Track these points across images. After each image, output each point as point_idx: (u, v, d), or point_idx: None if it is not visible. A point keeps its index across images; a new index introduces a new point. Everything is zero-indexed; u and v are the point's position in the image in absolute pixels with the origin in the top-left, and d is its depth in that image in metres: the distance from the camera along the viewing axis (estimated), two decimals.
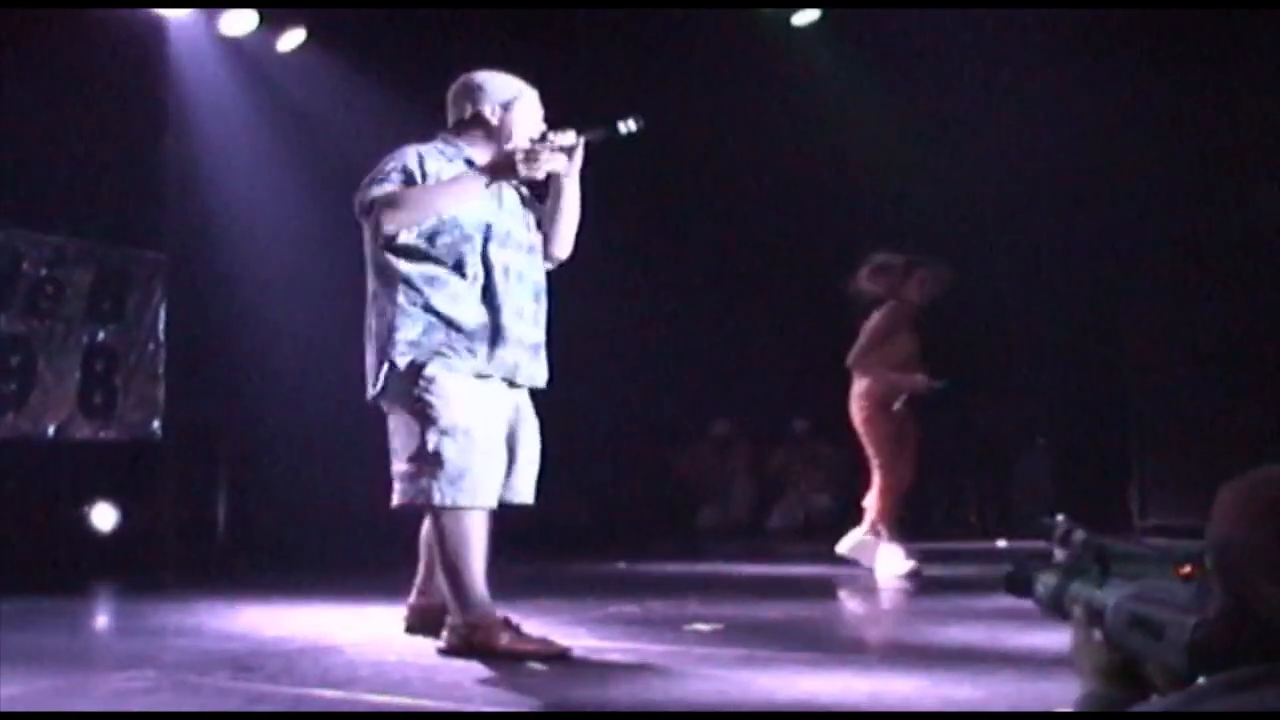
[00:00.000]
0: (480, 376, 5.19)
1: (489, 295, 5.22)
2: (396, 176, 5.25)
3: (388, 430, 5.39)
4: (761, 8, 10.83)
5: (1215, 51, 11.32)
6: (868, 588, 8.05)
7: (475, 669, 4.78)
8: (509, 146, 5.32)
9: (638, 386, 12.93)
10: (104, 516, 9.79)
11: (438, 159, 5.35)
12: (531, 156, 5.22)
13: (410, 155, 5.35)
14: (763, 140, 12.13)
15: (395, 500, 5.33)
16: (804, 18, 11.34)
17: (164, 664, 4.91)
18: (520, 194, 5.50)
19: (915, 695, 4.19)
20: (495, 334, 5.20)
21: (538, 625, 5.97)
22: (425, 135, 10.94)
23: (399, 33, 10.78)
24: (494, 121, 5.43)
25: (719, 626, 5.48)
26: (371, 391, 5.37)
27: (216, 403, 10.77)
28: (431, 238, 5.21)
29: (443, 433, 5.07)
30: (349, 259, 11.14)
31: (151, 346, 10.44)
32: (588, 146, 5.32)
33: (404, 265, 5.24)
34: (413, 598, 5.63)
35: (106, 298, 10.19)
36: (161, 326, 10.49)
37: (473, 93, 5.53)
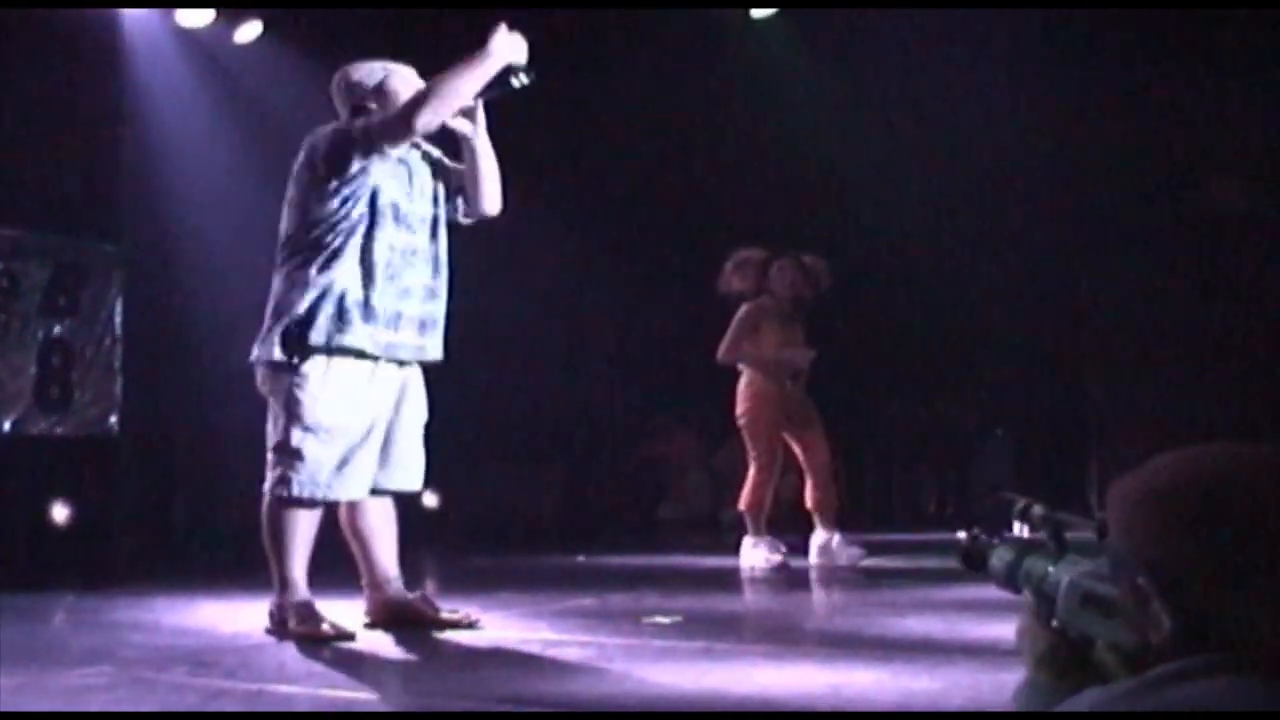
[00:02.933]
0: (362, 357, 5.30)
1: (380, 277, 5.31)
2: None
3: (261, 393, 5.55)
4: (722, 7, 10.85)
5: (1171, 39, 11.37)
6: (827, 580, 8.07)
7: (435, 663, 4.79)
8: None
9: (601, 377, 12.94)
10: (58, 513, 9.76)
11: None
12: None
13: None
14: (723, 132, 12.14)
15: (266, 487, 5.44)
16: (761, 13, 11.36)
17: (120, 660, 4.89)
18: (432, 163, 5.66)
19: (874, 687, 4.20)
20: (382, 315, 5.32)
21: (496, 618, 5.98)
22: None
23: (355, 25, 10.75)
24: (374, 107, 5.56)
25: (678, 619, 5.49)
26: (256, 354, 5.50)
27: (173, 397, 10.73)
28: (337, 210, 5.34)
29: (306, 429, 5.23)
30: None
31: (108, 341, 10.39)
32: (488, 105, 5.52)
33: (306, 237, 5.38)
34: (367, 593, 5.70)
35: (62, 292, 10.13)
36: (118, 320, 10.44)
37: (344, 89, 5.71)
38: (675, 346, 13.66)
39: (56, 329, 10.11)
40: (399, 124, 5.32)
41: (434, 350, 5.65)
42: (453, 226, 5.70)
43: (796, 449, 8.75)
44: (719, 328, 8.75)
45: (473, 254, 10.62)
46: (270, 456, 5.39)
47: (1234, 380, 11.94)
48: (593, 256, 12.45)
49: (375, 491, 5.55)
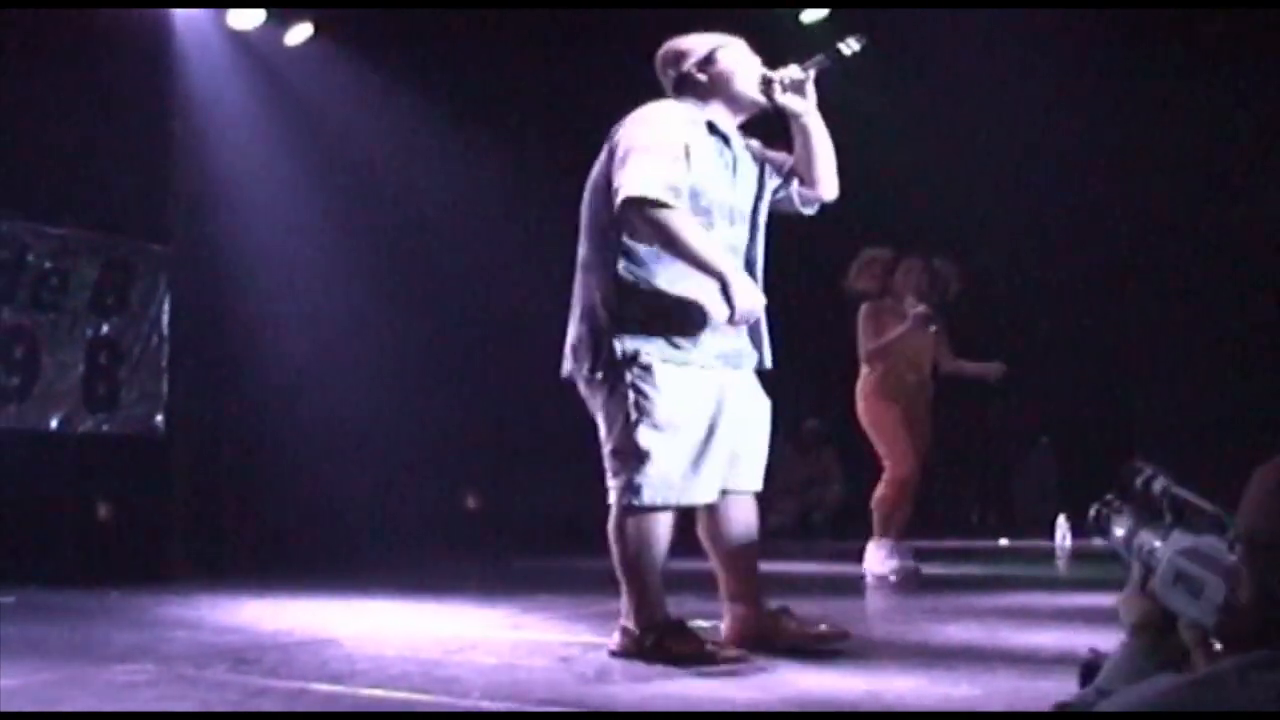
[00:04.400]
0: (696, 367, 4.89)
1: (702, 278, 4.83)
2: (676, 176, 4.79)
3: (591, 409, 5.03)
4: (772, 7, 10.82)
5: (1218, 51, 11.31)
6: (869, 586, 8.05)
7: (475, 664, 4.79)
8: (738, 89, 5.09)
9: None
10: (101, 511, 9.79)
11: (682, 126, 4.93)
12: (767, 84, 5.05)
13: (678, 128, 4.91)
14: (766, 135, 12.12)
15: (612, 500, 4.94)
16: (812, 15, 11.35)
17: (163, 657, 4.92)
18: (753, 155, 5.21)
19: (913, 693, 4.19)
20: (708, 320, 4.87)
21: (536, 620, 6.00)
22: (429, 129, 11.04)
23: (405, 28, 10.80)
24: (703, 78, 5.11)
25: (717, 623, 5.48)
26: (572, 368, 5.02)
27: (220, 397, 10.78)
28: None
29: (655, 428, 4.77)
30: (354, 253, 11.25)
31: (155, 339, 10.44)
32: (818, 78, 5.09)
33: (633, 237, 4.88)
34: (730, 610, 5.26)
35: (111, 290, 10.19)
36: (165, 320, 10.49)
37: (672, 60, 5.20)
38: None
39: (104, 328, 10.17)
40: (634, 196, 4.71)
41: (759, 357, 5.19)
42: (787, 218, 5.36)
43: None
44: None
45: (517, 251, 10.62)
46: (610, 463, 4.90)
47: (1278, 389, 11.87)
48: None
49: (737, 494, 5.13)
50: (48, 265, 9.86)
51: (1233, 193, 12.42)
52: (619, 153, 4.85)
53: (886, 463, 8.52)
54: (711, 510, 5.08)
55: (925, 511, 13.18)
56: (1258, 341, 12.50)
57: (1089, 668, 2.67)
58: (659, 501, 4.80)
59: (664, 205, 4.69)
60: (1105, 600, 6.86)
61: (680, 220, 4.71)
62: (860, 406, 8.60)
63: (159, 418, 10.42)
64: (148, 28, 10.09)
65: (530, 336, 11.51)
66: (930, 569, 8.58)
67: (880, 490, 8.47)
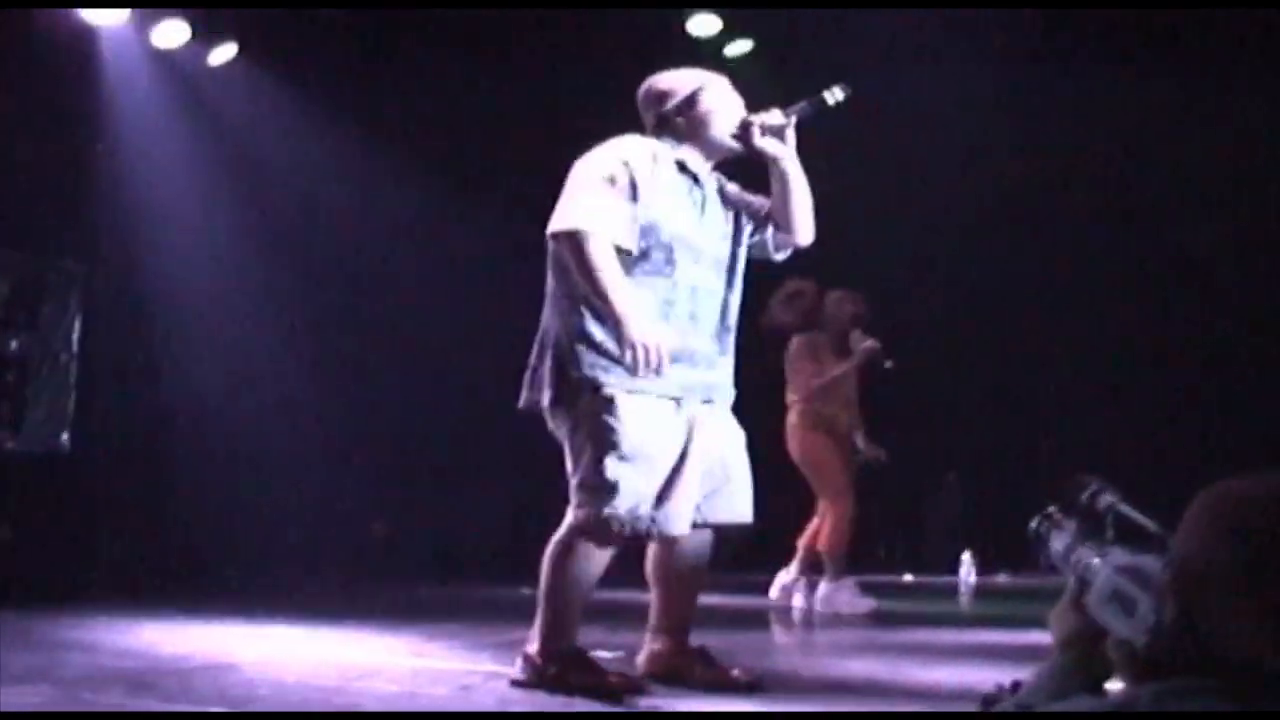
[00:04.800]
0: (661, 397, 4.83)
1: (675, 314, 4.87)
2: (617, 202, 4.80)
3: (556, 437, 4.99)
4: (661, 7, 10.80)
5: (1139, 77, 11.42)
6: (772, 620, 8.07)
7: (376, 692, 4.77)
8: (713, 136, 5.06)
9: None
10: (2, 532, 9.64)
11: (651, 163, 4.91)
12: (745, 128, 5.02)
13: (625, 156, 4.88)
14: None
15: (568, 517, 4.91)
16: (737, 49, 11.38)
17: (58, 680, 4.87)
18: (726, 198, 5.18)
19: None
20: (676, 352, 4.77)
21: (438, 649, 5.99)
22: (352, 153, 11.01)
23: (330, 49, 10.77)
24: (681, 122, 5.07)
25: (619, 654, 5.48)
26: (534, 397, 4.94)
27: (129, 417, 10.68)
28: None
29: (622, 459, 4.72)
30: (272, 274, 11.20)
31: (64, 357, 10.35)
32: (799, 124, 5.05)
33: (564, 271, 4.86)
34: (649, 639, 5.26)
35: (21, 307, 10.10)
36: (76, 337, 10.40)
37: (654, 100, 5.15)
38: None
39: (13, 344, 10.07)
40: (565, 221, 4.77)
41: (721, 391, 5.14)
42: (760, 263, 5.32)
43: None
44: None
45: (439, 276, 10.59)
46: (577, 495, 4.84)
47: (1193, 426, 12.02)
48: None
49: (699, 527, 5.07)
50: None
51: (1146, 223, 12.58)
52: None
53: (826, 502, 8.47)
54: (666, 542, 5.04)
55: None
56: (1172, 376, 12.67)
57: (990, 701, 2.69)
58: (627, 533, 4.75)
59: (585, 236, 4.70)
60: (1006, 637, 6.96)
61: (596, 253, 4.69)
62: (797, 442, 8.54)
63: (65, 436, 10.32)
64: (71, 41, 10.00)
65: (445, 362, 11.53)
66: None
67: (829, 532, 8.41)
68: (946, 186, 12.49)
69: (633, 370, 4.65)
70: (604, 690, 4.67)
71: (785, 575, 8.61)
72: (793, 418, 8.57)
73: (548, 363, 4.88)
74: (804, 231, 5.20)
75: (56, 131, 9.91)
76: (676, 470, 4.81)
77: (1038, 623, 6.10)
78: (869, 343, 8.57)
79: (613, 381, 4.75)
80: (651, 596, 5.22)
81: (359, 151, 11.14)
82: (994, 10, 10.52)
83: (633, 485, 4.71)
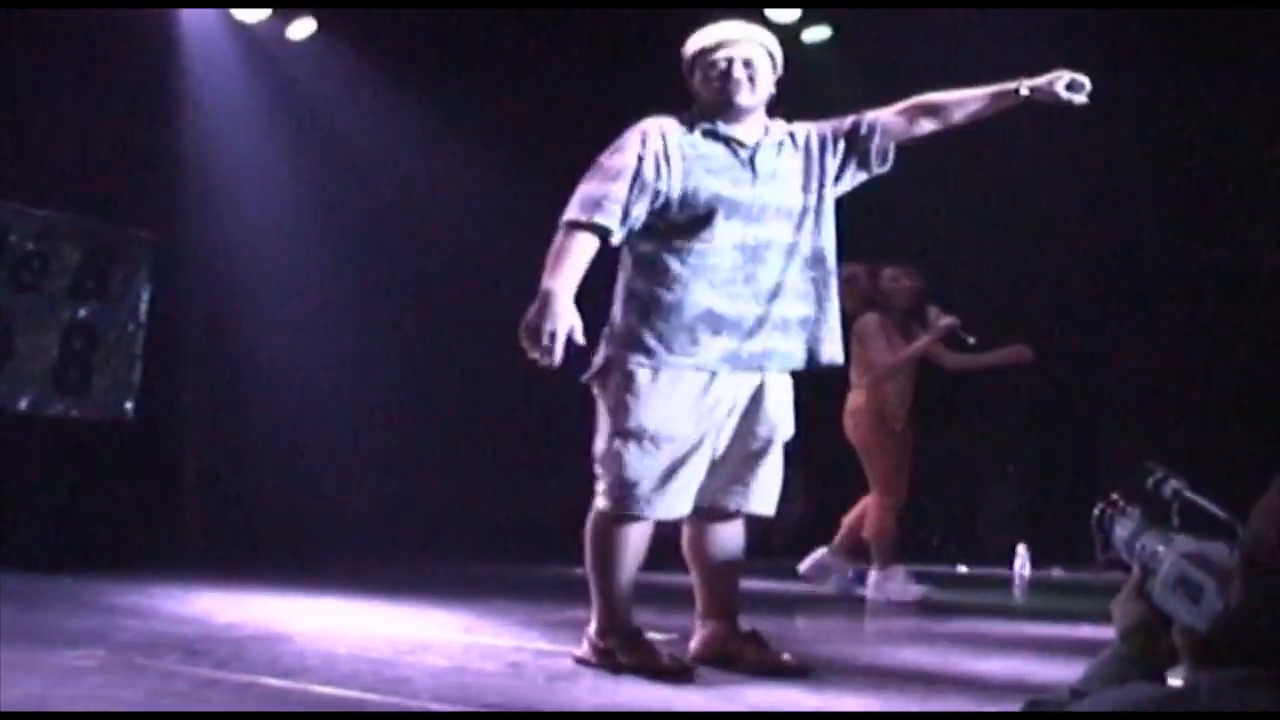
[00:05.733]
0: (698, 370, 4.81)
1: (719, 279, 4.82)
2: (617, 189, 4.79)
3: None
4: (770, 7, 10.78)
5: (1200, 89, 11.34)
6: (824, 604, 8.06)
7: (426, 666, 4.80)
8: None
9: None
10: None
11: (662, 139, 4.86)
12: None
13: (639, 139, 4.88)
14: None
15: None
16: (815, 34, 11.37)
17: (113, 643, 4.93)
18: (793, 144, 5.06)
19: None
20: (717, 321, 4.80)
21: (490, 626, 6.01)
22: (423, 128, 11.03)
23: (407, 25, 10.81)
24: (697, 89, 5.05)
25: (672, 636, 5.49)
26: (585, 375, 4.99)
27: (194, 387, 10.79)
28: (663, 213, 4.84)
29: (626, 437, 4.75)
30: (342, 248, 11.25)
31: (132, 326, 10.43)
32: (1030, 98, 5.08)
33: (634, 245, 4.91)
34: (702, 627, 5.22)
35: (92, 275, 10.19)
36: (144, 307, 10.48)
37: (683, 65, 5.11)
38: None
39: (82, 312, 10.16)
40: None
41: (786, 359, 5.00)
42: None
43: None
44: None
45: (508, 252, 10.62)
46: (596, 466, 4.91)
47: (1248, 423, 11.92)
48: None
49: (725, 514, 5.08)
50: (30, 247, 9.86)
51: (1209, 218, 12.48)
52: None
53: (879, 488, 8.38)
54: (697, 526, 5.06)
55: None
56: (1228, 374, 12.56)
57: (1036, 703, 2.66)
58: (622, 511, 4.79)
59: (580, 226, 4.75)
60: (1059, 631, 6.92)
61: (569, 239, 4.77)
62: (856, 425, 8.47)
63: (129, 404, 10.41)
64: (152, 16, 10.09)
65: (510, 338, 11.51)
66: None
67: (873, 520, 8.35)
68: (1011, 178, 12.41)
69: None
70: (654, 670, 4.68)
71: (824, 553, 8.54)
72: (857, 400, 8.47)
73: (604, 338, 4.93)
74: (935, 126, 5.20)
75: (134, 103, 10.01)
76: (686, 455, 4.80)
77: (1091, 617, 6.08)
78: (948, 319, 8.46)
79: (636, 359, 4.78)
80: (693, 581, 5.21)
81: (430, 126, 11.18)
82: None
83: (633, 464, 4.74)
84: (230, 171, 10.66)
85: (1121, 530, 2.58)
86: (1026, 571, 10.81)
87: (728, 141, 4.96)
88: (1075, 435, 13.45)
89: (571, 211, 4.78)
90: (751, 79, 4.98)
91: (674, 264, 4.82)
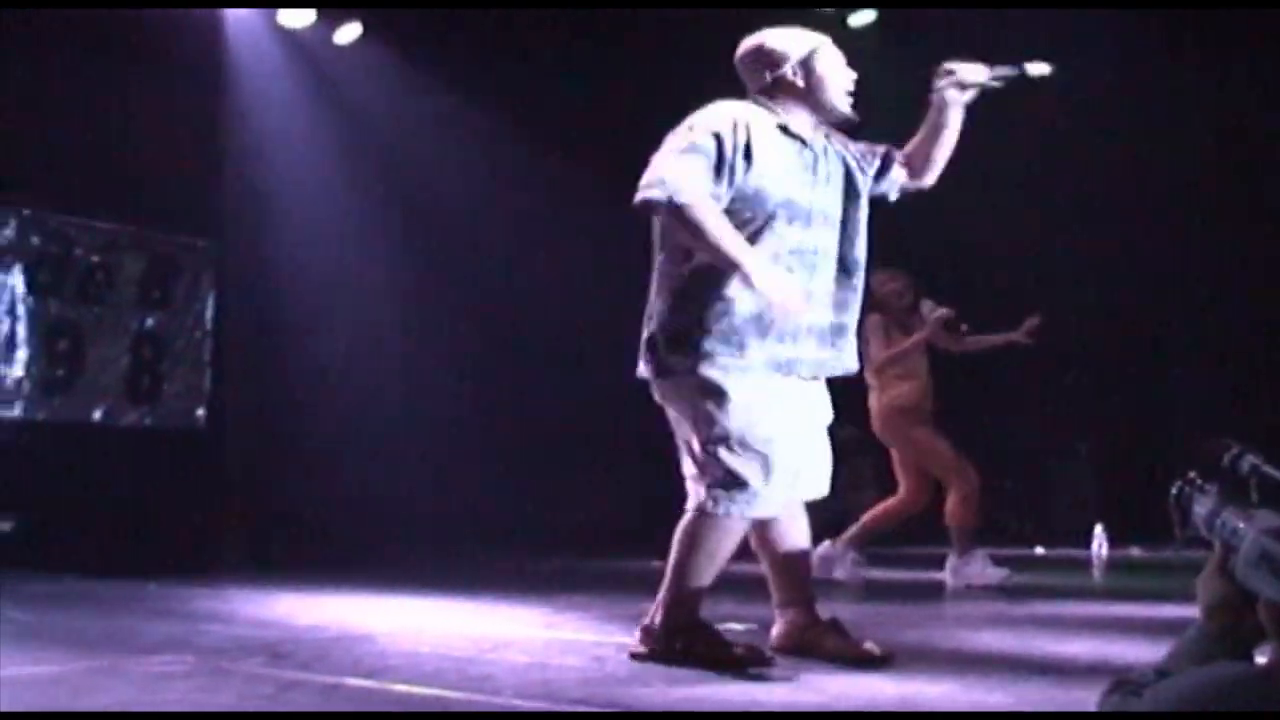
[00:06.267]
0: (762, 370, 4.81)
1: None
2: (703, 165, 4.73)
3: (667, 411, 5.03)
4: (817, 7, 10.77)
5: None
6: (903, 591, 8.04)
7: (508, 663, 4.81)
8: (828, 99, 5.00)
9: None
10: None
11: (747, 129, 4.82)
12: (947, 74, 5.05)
13: (726, 122, 4.81)
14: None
15: (689, 504, 4.94)
16: (860, 19, 11.34)
17: (198, 649, 4.96)
18: (848, 160, 5.07)
19: (944, 700, 4.19)
20: (772, 325, 4.79)
21: (570, 621, 6.02)
22: (475, 132, 11.06)
23: (454, 29, 10.83)
24: (799, 83, 4.98)
25: (753, 627, 5.48)
26: (642, 372, 4.97)
27: (262, 391, 10.85)
28: (730, 207, 4.76)
29: (720, 440, 4.74)
30: (399, 251, 11.30)
31: (199, 334, 10.53)
32: (987, 87, 5.09)
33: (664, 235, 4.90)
34: (781, 616, 5.24)
35: (156, 285, 10.29)
36: (209, 314, 10.57)
37: (767, 57, 5.03)
38: None
39: (149, 322, 10.26)
40: (654, 185, 4.68)
41: (834, 365, 5.06)
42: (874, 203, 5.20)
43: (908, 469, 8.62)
44: None
45: (564, 254, 10.61)
46: (691, 471, 4.91)
47: None
48: None
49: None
50: (95, 259, 9.96)
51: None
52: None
53: (947, 478, 8.45)
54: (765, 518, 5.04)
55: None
56: None
57: (1121, 682, 2.63)
58: (735, 514, 4.78)
59: (679, 198, 4.65)
60: (1141, 611, 6.88)
61: (698, 213, 4.65)
62: (889, 425, 8.56)
63: (200, 411, 10.51)
64: (199, 26, 10.16)
65: (576, 338, 11.52)
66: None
67: (954, 507, 8.37)
68: (1087, 157, 12.33)
69: (772, 318, 4.69)
70: (730, 662, 4.66)
71: (828, 544, 8.52)
72: (872, 401, 8.56)
73: (652, 337, 4.88)
74: (932, 172, 5.23)
75: (187, 113, 10.08)
76: (780, 450, 4.79)
77: (1173, 596, 6.04)
78: (941, 311, 8.51)
79: (715, 359, 4.73)
80: (766, 572, 5.19)
81: (480, 129, 11.20)
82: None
83: (737, 467, 4.72)
84: (283, 177, 10.72)
85: (1200, 508, 2.56)
86: (1104, 552, 10.75)
87: (801, 141, 4.95)
88: (1148, 412, 13.35)
89: (668, 187, 4.66)
90: None
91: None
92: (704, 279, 4.77)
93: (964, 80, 5.06)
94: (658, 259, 4.97)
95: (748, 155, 4.77)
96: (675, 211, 4.65)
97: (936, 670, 4.75)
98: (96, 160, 9.62)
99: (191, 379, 10.55)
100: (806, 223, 4.88)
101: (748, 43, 5.13)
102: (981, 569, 8.30)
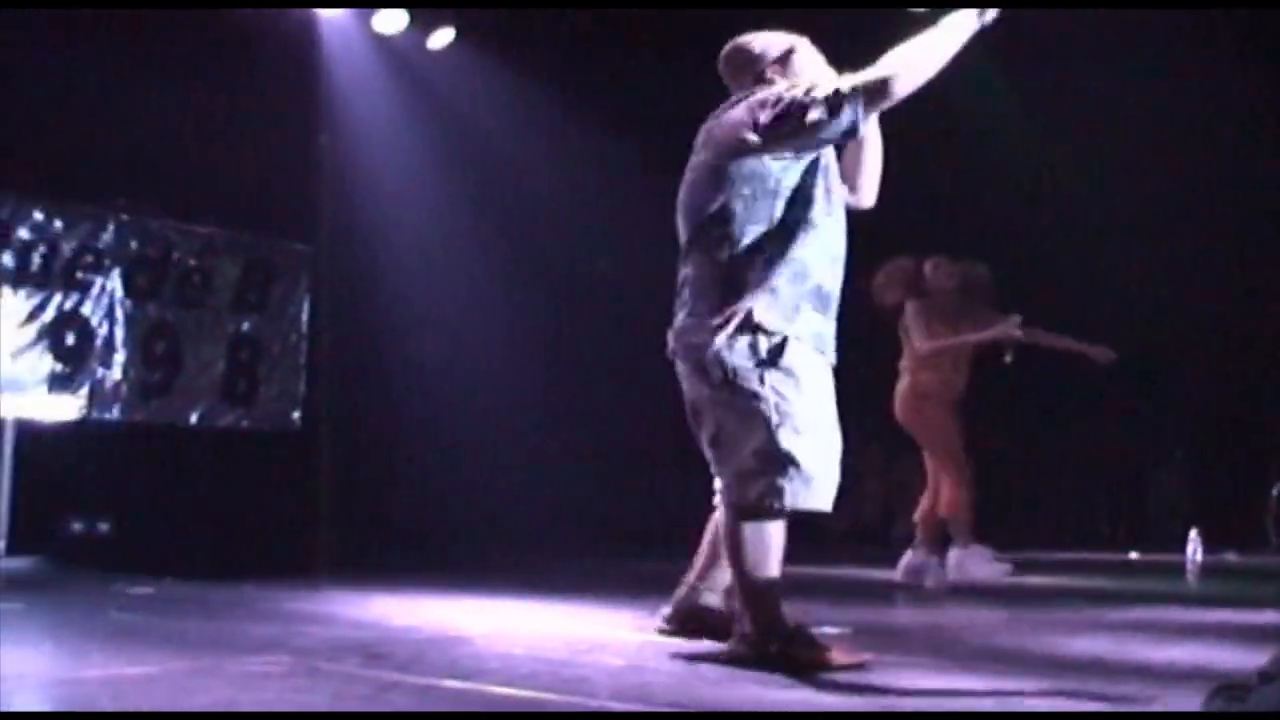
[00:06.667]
0: (818, 352, 4.85)
1: (821, 257, 4.86)
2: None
3: (694, 394, 5.03)
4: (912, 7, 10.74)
5: None
6: (995, 597, 7.99)
7: (603, 665, 4.81)
8: None
9: None
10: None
11: None
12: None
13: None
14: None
15: (727, 499, 4.92)
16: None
17: (296, 649, 5.00)
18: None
19: (1041, 704, 4.17)
20: (825, 300, 4.87)
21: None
22: (576, 134, 11.08)
23: (546, 32, 10.86)
24: (780, 81, 5.04)
25: (846, 630, 5.47)
26: (674, 349, 5.07)
27: (357, 395, 10.93)
28: (797, 185, 4.82)
29: (795, 431, 4.72)
30: (494, 254, 11.34)
31: (294, 337, 10.62)
32: None
33: (766, 209, 4.84)
34: (681, 593, 5.41)
35: (253, 288, 10.39)
36: (305, 318, 10.66)
37: (746, 59, 5.18)
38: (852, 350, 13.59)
39: (245, 325, 10.36)
40: (881, 89, 4.67)
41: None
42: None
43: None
44: (885, 333, 8.69)
45: (659, 257, 10.66)
46: (749, 464, 4.78)
47: None
48: None
49: None
50: (192, 263, 10.07)
51: None
52: (759, 113, 4.84)
53: (946, 467, 8.54)
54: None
55: (1056, 523, 13.12)
56: None
57: (1224, 687, 2.61)
58: (801, 506, 4.76)
59: (887, 76, 4.67)
60: (1238, 617, 6.81)
61: (895, 60, 4.70)
62: (906, 408, 8.65)
63: (296, 414, 10.59)
64: (294, 30, 10.25)
65: (659, 340, 11.51)
66: (1059, 581, 8.52)
67: (949, 498, 8.48)
68: (1187, 163, 12.24)
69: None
70: (824, 664, 4.66)
71: (911, 555, 8.51)
72: (902, 384, 8.65)
73: (696, 319, 4.93)
74: (870, 194, 5.23)
75: (283, 117, 10.16)
76: (835, 436, 4.86)
77: (1269, 602, 5.97)
78: (1007, 326, 8.54)
79: (778, 341, 4.75)
80: (702, 554, 5.29)
81: (577, 131, 11.21)
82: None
83: (807, 456, 4.73)
84: (377, 181, 10.81)
85: None
86: (1199, 557, 10.65)
87: None
88: (1243, 417, 13.21)
89: (833, 84, 4.72)
90: None
91: (800, 241, 4.80)
92: (786, 250, 4.80)
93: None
94: (685, 239, 5.13)
95: None
96: (895, 80, 4.67)
97: (1031, 674, 4.72)
98: (194, 165, 9.73)
99: (287, 382, 10.64)
100: (833, 208, 4.96)
101: (728, 47, 5.28)
102: (983, 564, 8.35)
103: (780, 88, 4.87)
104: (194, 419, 10.11)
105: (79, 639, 5.02)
